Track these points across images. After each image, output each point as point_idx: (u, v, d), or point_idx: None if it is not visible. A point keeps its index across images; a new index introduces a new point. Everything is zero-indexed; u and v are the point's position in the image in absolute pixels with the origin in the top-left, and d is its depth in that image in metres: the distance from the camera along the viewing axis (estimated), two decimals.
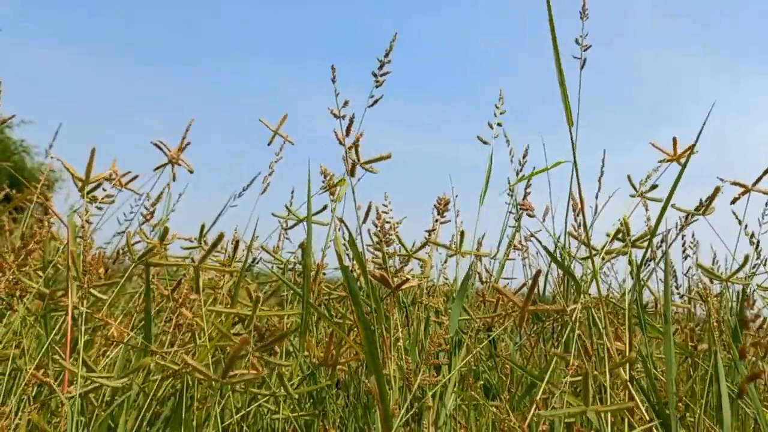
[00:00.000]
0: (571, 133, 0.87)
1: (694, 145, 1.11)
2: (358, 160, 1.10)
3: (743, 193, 1.20)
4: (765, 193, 1.19)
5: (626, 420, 0.85)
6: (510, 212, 1.50)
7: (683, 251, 1.43)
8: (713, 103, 0.91)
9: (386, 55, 1.13)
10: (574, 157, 0.90)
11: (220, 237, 1.07)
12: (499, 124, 1.36)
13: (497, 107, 1.37)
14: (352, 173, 1.04)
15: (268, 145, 1.35)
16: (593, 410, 0.76)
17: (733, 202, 1.19)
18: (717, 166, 1.24)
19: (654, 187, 1.03)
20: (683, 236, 1.42)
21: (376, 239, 1.20)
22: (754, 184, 1.21)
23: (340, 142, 1.03)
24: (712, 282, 1.34)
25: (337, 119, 1.01)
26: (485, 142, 1.34)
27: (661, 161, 1.15)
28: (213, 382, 0.87)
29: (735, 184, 1.20)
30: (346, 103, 1.01)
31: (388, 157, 1.13)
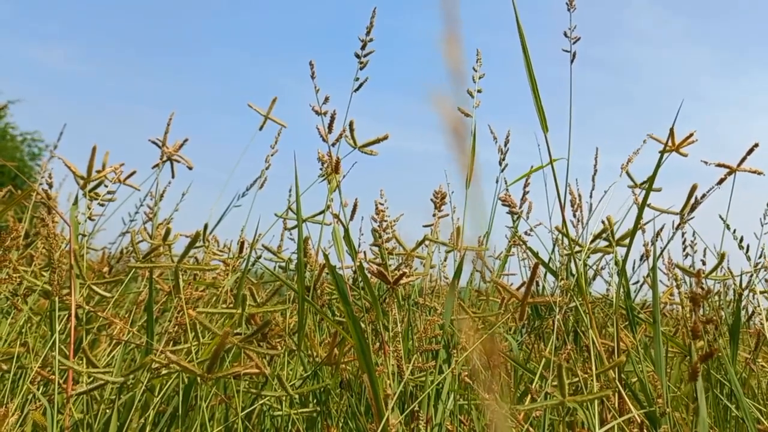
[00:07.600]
0: (546, 139, 0.87)
1: (690, 135, 1.11)
2: (355, 144, 1.08)
3: (729, 174, 1.20)
4: (750, 171, 1.18)
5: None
6: (508, 213, 1.48)
7: (683, 250, 1.41)
8: (682, 100, 0.94)
9: (368, 33, 1.08)
10: (551, 160, 0.91)
11: (197, 236, 1.07)
12: (479, 91, 1.26)
13: (475, 70, 1.27)
14: (336, 170, 1.04)
15: (260, 129, 1.33)
16: (570, 401, 0.76)
17: (720, 183, 1.18)
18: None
19: (651, 179, 1.03)
20: (683, 234, 1.41)
21: (376, 235, 1.20)
22: (739, 164, 1.20)
23: (323, 139, 1.03)
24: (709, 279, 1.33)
25: (318, 116, 1.01)
26: (467, 115, 1.25)
27: (661, 152, 1.15)
28: (199, 378, 0.88)
29: (720, 165, 1.19)
30: (326, 99, 1.01)
31: (385, 138, 1.10)
